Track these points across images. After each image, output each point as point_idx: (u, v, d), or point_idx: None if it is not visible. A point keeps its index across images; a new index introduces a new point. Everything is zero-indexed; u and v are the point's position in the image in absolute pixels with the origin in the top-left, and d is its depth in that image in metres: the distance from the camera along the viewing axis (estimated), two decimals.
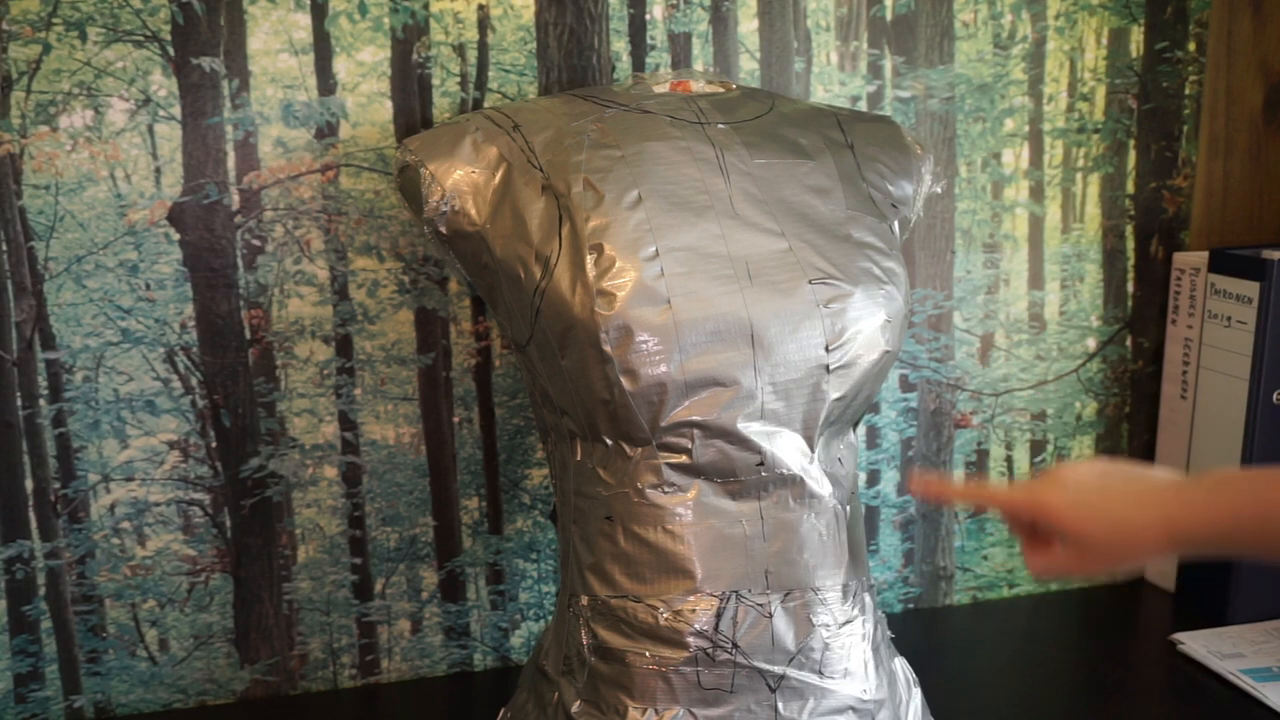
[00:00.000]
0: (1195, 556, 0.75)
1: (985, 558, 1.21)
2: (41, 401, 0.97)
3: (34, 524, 0.99)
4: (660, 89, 0.92)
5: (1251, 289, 1.08)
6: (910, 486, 0.81)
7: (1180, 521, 0.70)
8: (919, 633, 1.15)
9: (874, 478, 1.16)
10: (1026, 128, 1.13)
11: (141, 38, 0.93)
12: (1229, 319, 1.11)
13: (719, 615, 0.79)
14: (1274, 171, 1.20)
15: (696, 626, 0.79)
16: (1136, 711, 1.02)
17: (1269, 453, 1.10)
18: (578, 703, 0.82)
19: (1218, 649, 1.08)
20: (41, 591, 1.00)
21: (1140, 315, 1.20)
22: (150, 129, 0.95)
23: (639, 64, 1.03)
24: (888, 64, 1.08)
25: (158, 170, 0.96)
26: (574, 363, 0.80)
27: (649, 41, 1.03)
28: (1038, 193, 1.15)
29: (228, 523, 1.02)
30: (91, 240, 0.96)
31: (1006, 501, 0.78)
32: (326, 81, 0.97)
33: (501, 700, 0.94)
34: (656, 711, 0.80)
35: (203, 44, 0.94)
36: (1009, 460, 1.19)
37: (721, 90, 0.93)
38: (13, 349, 0.96)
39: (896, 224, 0.91)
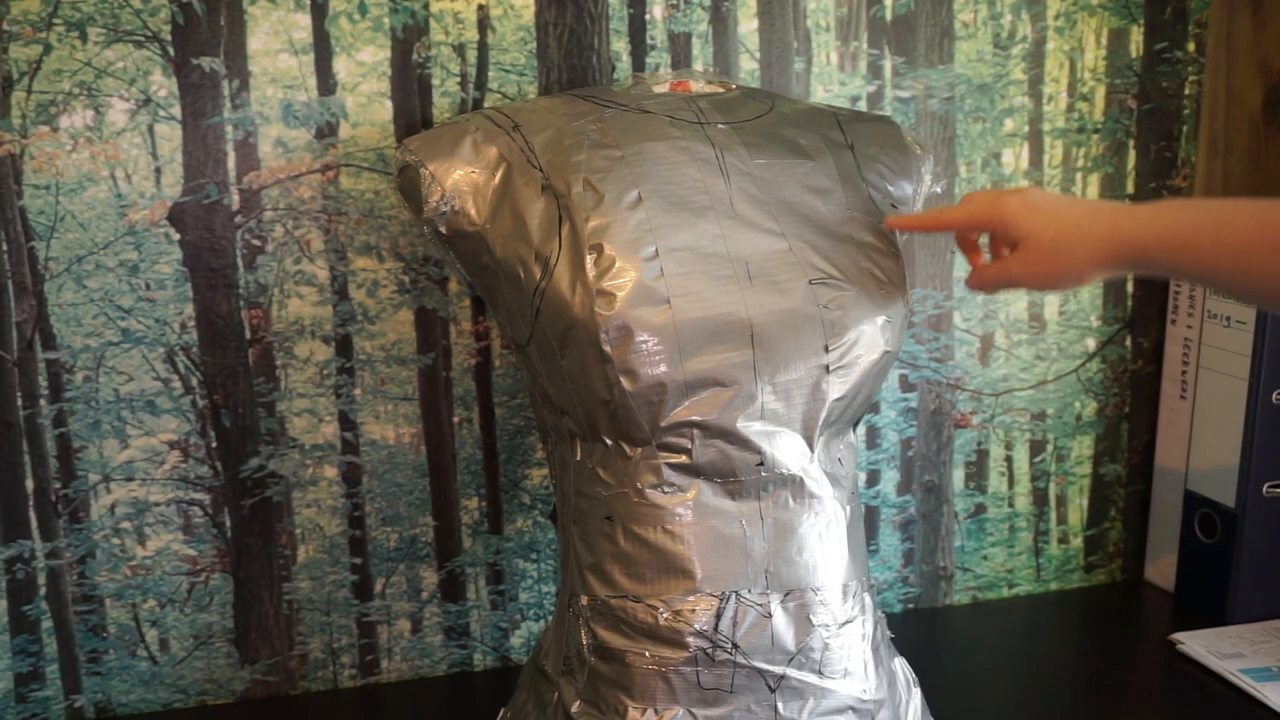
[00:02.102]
0: (1134, 273, 0.80)
1: (985, 558, 1.21)
2: (42, 401, 0.97)
3: (34, 524, 0.99)
4: (660, 89, 0.92)
5: None
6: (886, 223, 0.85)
7: (1123, 229, 0.74)
8: (919, 633, 1.15)
9: (874, 478, 1.16)
10: (1026, 128, 1.13)
11: (142, 38, 0.94)
12: (1228, 319, 1.11)
13: (719, 615, 0.79)
14: (1274, 171, 1.20)
15: (696, 626, 0.79)
16: (1136, 711, 1.02)
17: (1269, 452, 1.10)
18: (578, 703, 0.82)
19: (1217, 649, 1.08)
20: (42, 591, 1.00)
21: (1140, 315, 1.20)
22: (150, 129, 0.95)
23: (639, 64, 1.03)
24: (888, 64, 1.08)
25: (158, 170, 0.96)
26: (574, 363, 0.80)
27: (649, 41, 1.03)
28: None
29: (228, 523, 1.02)
30: (92, 240, 0.96)
31: (966, 216, 0.81)
32: (326, 81, 0.97)
33: (501, 700, 0.94)
34: (656, 711, 0.80)
35: (203, 44, 0.95)
36: (1009, 460, 1.20)
37: (721, 90, 0.93)
38: (13, 349, 0.96)
39: None
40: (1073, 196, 0.81)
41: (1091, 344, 1.20)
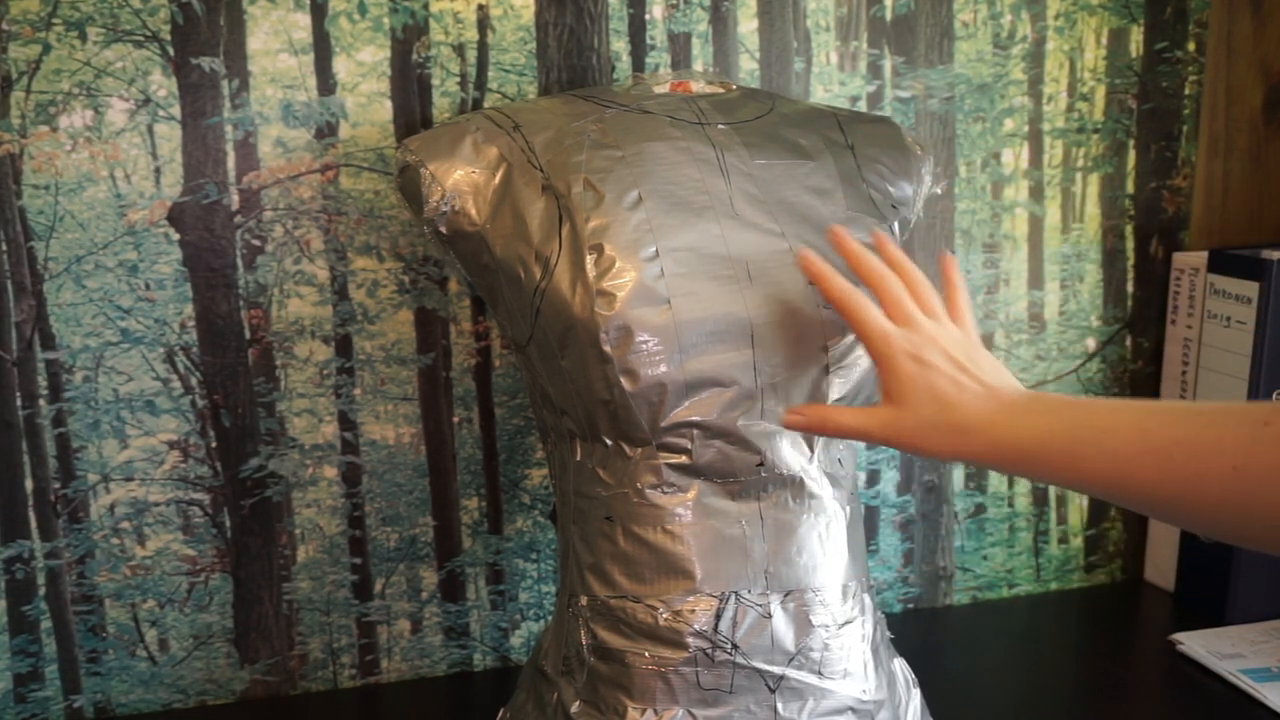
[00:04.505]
0: (1001, 469, 0.74)
1: (985, 558, 1.21)
2: (41, 401, 0.97)
3: (34, 524, 0.99)
4: (660, 89, 0.92)
5: (1251, 289, 1.08)
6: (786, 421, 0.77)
7: (999, 430, 0.69)
8: (919, 633, 1.15)
9: (874, 478, 1.16)
10: (1026, 128, 1.13)
11: (141, 38, 0.93)
12: (1228, 319, 1.11)
13: (718, 615, 0.79)
14: (1274, 171, 1.20)
15: (696, 627, 0.79)
16: (1136, 711, 1.02)
17: None
18: (577, 703, 0.82)
19: (1217, 649, 1.08)
20: (41, 591, 1.00)
21: (1140, 315, 1.20)
22: (150, 129, 0.95)
23: (639, 64, 1.03)
24: (887, 64, 1.08)
25: (158, 170, 0.96)
26: (574, 363, 0.80)
27: (649, 41, 1.03)
28: (1037, 193, 1.15)
29: (227, 523, 1.02)
30: (91, 240, 0.96)
31: (868, 327, 0.74)
32: (326, 81, 0.97)
33: (501, 700, 0.94)
34: (656, 712, 0.80)
35: (203, 44, 0.94)
36: None
37: (722, 91, 0.93)
38: (13, 349, 0.96)
39: (896, 225, 0.91)
40: (974, 362, 0.72)
41: (1091, 344, 1.20)
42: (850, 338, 0.81)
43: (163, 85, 0.95)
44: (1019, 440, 0.68)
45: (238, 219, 0.98)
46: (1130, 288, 1.19)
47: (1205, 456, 0.61)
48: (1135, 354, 1.21)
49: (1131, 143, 1.16)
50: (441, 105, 1.00)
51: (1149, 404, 0.66)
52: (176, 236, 0.97)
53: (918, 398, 0.71)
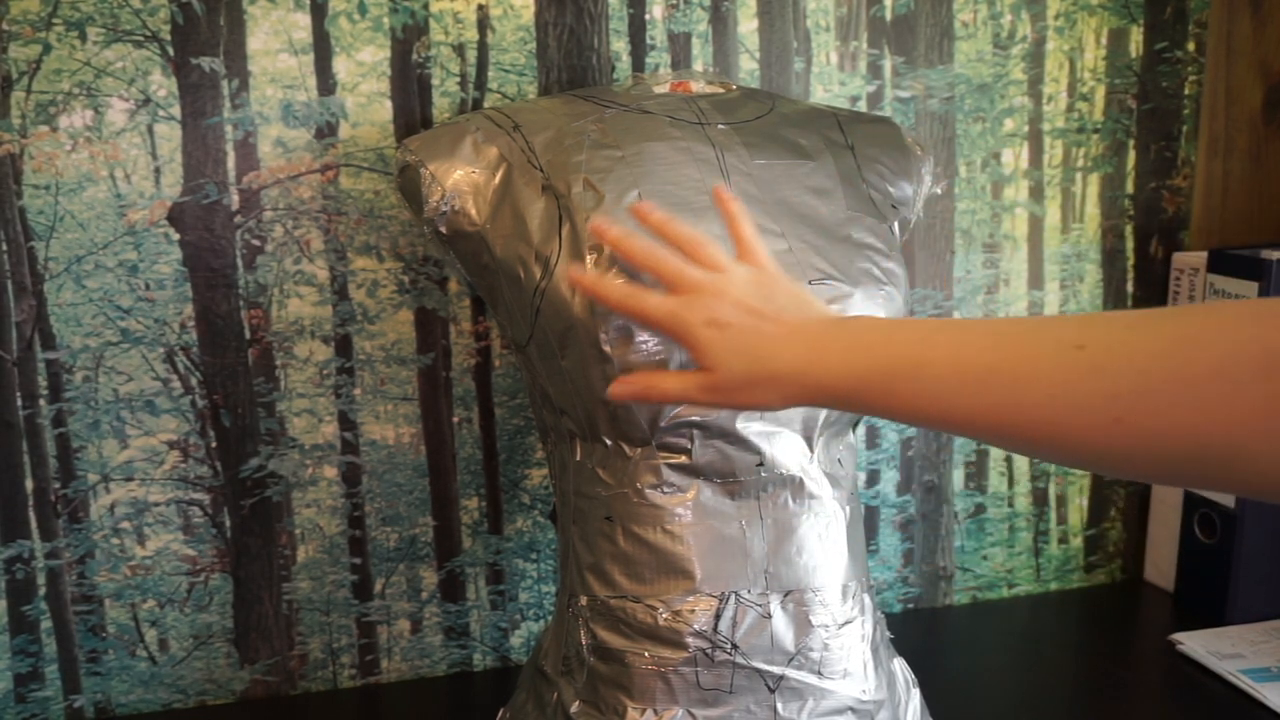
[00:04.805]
0: (824, 408, 0.74)
1: (985, 558, 1.21)
2: (41, 401, 0.97)
3: (34, 524, 0.99)
4: (660, 89, 0.92)
5: (1250, 289, 1.08)
6: (612, 391, 0.75)
7: (814, 373, 0.67)
8: (919, 633, 1.15)
9: (874, 478, 1.16)
10: (1026, 128, 1.13)
11: (141, 38, 0.94)
12: None
13: (718, 615, 0.79)
14: (1274, 171, 1.20)
15: (696, 627, 0.79)
16: (1136, 711, 1.02)
17: None
18: (577, 703, 0.82)
19: (1217, 649, 1.08)
20: (41, 591, 1.00)
21: None
22: (150, 129, 0.95)
23: (639, 64, 1.03)
24: (887, 64, 1.08)
25: (157, 170, 0.96)
26: (574, 363, 0.80)
27: (649, 41, 1.03)
28: (1037, 193, 1.15)
29: (227, 523, 1.02)
30: (91, 240, 0.96)
31: (662, 317, 0.71)
32: (326, 81, 0.97)
33: (501, 700, 0.94)
34: (655, 712, 0.80)
35: (202, 44, 0.95)
36: (1009, 460, 1.20)
37: (722, 91, 0.93)
38: (13, 349, 0.96)
39: (896, 225, 0.91)
40: (771, 302, 0.70)
41: None
42: None
43: (163, 85, 0.95)
44: (836, 381, 0.66)
45: (238, 219, 0.98)
46: (1130, 288, 1.19)
47: (1022, 385, 0.59)
48: None
49: (1131, 143, 1.16)
50: (441, 105, 1.00)
51: (965, 327, 0.64)
52: (176, 236, 0.97)
53: (726, 359, 0.69)
